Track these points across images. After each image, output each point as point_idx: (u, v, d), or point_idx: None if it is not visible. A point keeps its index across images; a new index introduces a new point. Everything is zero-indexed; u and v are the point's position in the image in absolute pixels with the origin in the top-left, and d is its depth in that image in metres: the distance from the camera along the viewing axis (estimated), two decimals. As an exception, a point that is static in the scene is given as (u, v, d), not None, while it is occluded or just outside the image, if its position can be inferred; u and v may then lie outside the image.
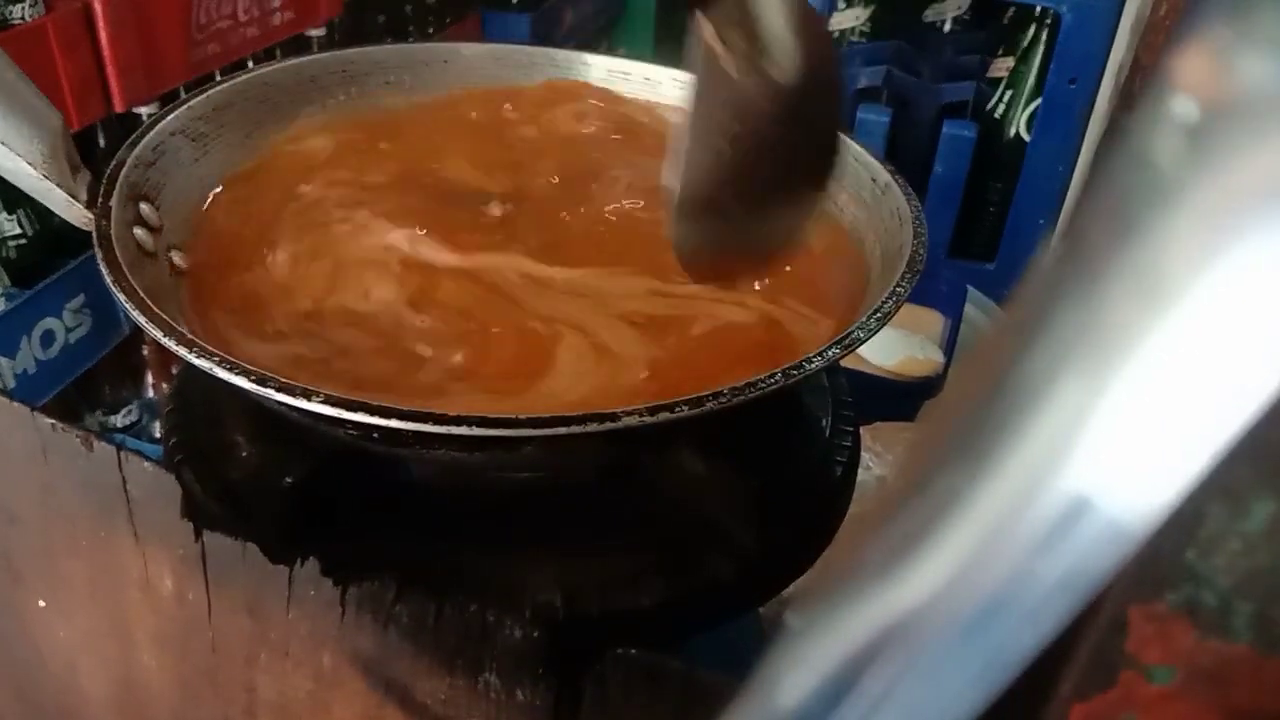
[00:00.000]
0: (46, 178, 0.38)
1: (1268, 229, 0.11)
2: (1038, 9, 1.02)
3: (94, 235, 0.38)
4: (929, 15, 1.18)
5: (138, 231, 0.40)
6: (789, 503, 0.43)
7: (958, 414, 0.13)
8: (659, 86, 0.55)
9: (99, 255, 0.36)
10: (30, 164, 0.38)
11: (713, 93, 0.33)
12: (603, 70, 0.56)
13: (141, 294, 0.35)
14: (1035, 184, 1.01)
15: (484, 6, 1.18)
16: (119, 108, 0.72)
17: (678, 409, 0.32)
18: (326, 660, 0.36)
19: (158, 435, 0.78)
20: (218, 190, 0.46)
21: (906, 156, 1.06)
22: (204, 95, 0.47)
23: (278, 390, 0.31)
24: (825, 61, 0.34)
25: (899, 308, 0.37)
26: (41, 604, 0.43)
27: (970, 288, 0.94)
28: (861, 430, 0.47)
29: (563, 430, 0.31)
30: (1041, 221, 1.01)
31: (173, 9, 0.74)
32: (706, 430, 0.39)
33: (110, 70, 0.70)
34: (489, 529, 0.41)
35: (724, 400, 0.32)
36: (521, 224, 0.45)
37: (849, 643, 0.13)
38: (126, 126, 0.67)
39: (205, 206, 0.45)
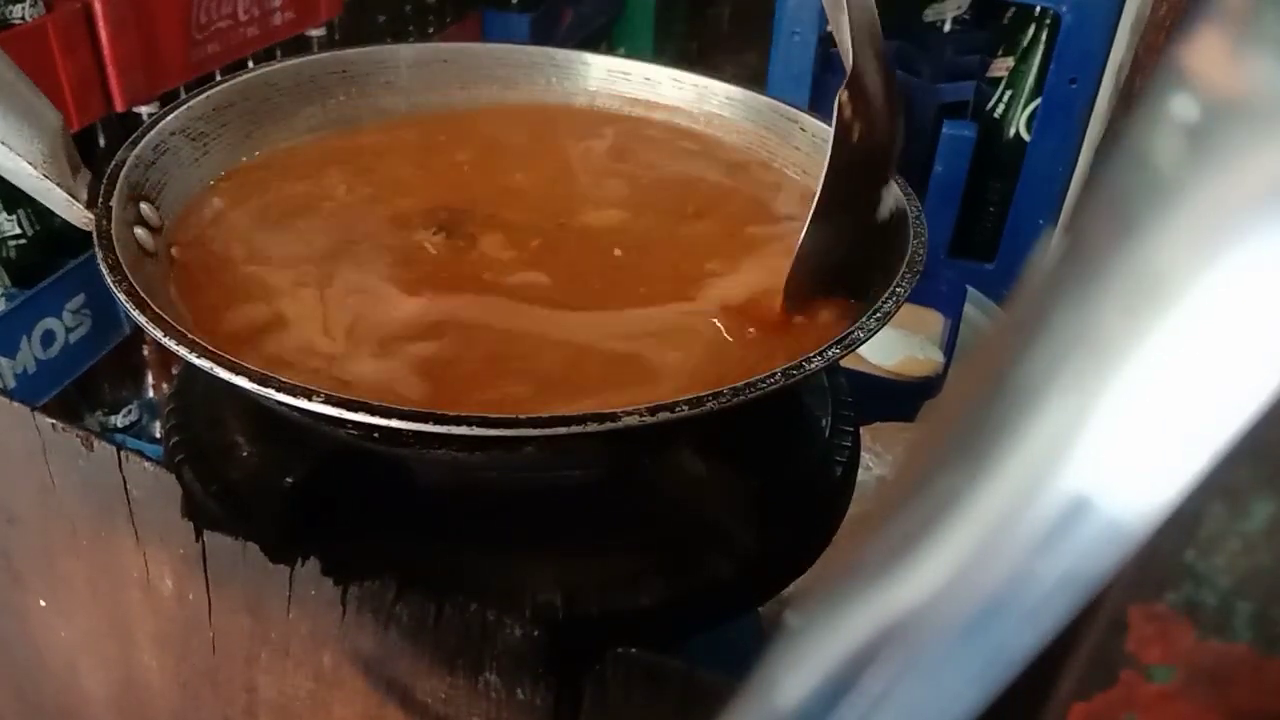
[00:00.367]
0: (46, 178, 0.38)
1: (1268, 229, 0.11)
2: (1038, 9, 1.02)
3: (94, 235, 0.38)
4: (929, 15, 1.18)
5: (138, 231, 0.40)
6: (789, 503, 0.43)
7: (958, 414, 0.13)
8: (659, 86, 0.55)
9: (99, 255, 0.36)
10: (30, 164, 0.38)
11: (840, 157, 0.39)
12: (603, 70, 0.56)
13: (142, 294, 0.35)
14: (1035, 184, 1.01)
15: (484, 6, 1.18)
16: (119, 108, 0.72)
17: (678, 409, 0.32)
18: (327, 660, 0.36)
19: (158, 435, 0.78)
20: (209, 188, 0.46)
21: (906, 156, 1.05)
22: (204, 95, 0.47)
23: (278, 390, 0.31)
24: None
25: (899, 308, 0.37)
26: (41, 604, 0.43)
27: (970, 288, 0.94)
28: (861, 430, 0.47)
29: (563, 430, 0.31)
30: (1041, 221, 1.01)
31: (173, 9, 0.74)
32: (706, 430, 0.39)
33: (110, 70, 0.70)
34: (489, 529, 0.41)
35: (724, 400, 0.32)
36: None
37: (849, 643, 0.13)
38: (126, 126, 0.67)
39: (199, 207, 0.45)
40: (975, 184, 1.04)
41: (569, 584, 0.37)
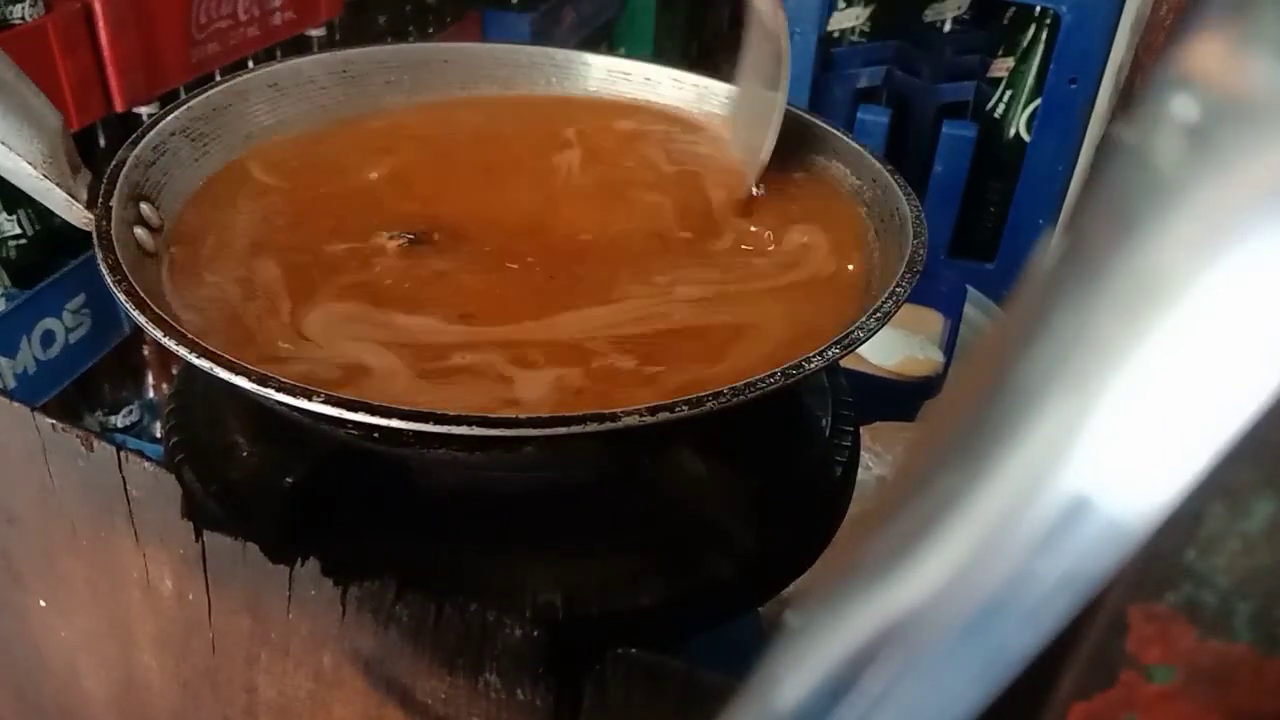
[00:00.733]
0: (46, 178, 0.38)
1: (1268, 229, 0.11)
2: (1038, 9, 1.02)
3: (94, 235, 0.38)
4: (929, 15, 1.18)
5: (138, 231, 0.40)
6: (789, 503, 0.43)
7: (958, 414, 0.13)
8: (659, 86, 0.55)
9: (99, 255, 0.36)
10: (30, 164, 0.38)
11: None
12: (603, 70, 0.56)
13: (142, 294, 0.35)
14: (1035, 184, 1.01)
15: (484, 6, 1.18)
16: (119, 108, 0.72)
17: (677, 409, 0.32)
18: (327, 660, 0.36)
19: (158, 435, 0.78)
20: (201, 190, 0.46)
21: (906, 156, 1.06)
22: (204, 95, 0.47)
23: (278, 390, 0.31)
24: None
25: (899, 308, 0.37)
26: (42, 604, 0.43)
27: (970, 288, 0.94)
28: (861, 430, 0.47)
29: (563, 430, 0.31)
30: (1041, 221, 1.01)
31: (173, 9, 0.74)
32: (706, 430, 0.39)
33: (110, 70, 0.70)
34: (489, 529, 0.41)
35: (724, 400, 0.32)
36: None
37: (849, 643, 0.13)
38: (126, 126, 0.67)
39: (192, 205, 0.45)
40: (975, 184, 1.04)
41: (569, 584, 0.37)
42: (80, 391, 0.81)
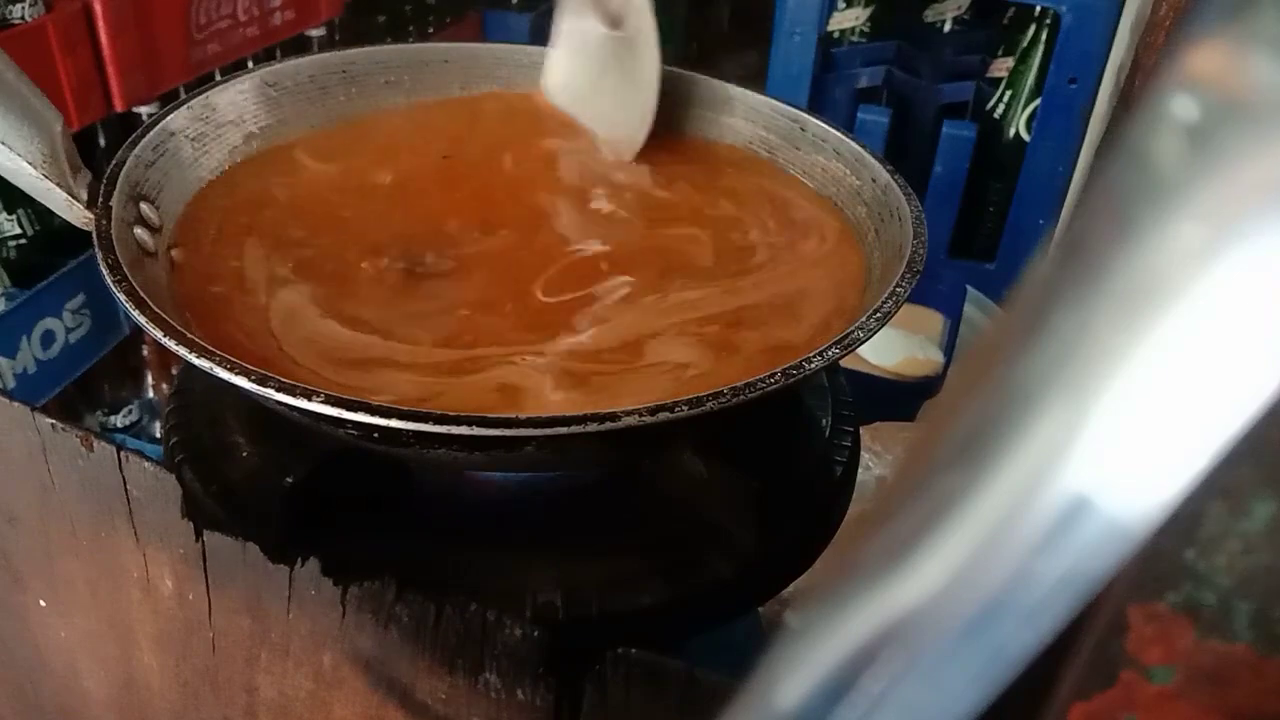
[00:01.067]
0: (46, 178, 0.38)
1: (1268, 229, 0.11)
2: (1038, 9, 1.02)
3: (94, 235, 0.38)
4: (929, 15, 1.18)
5: (138, 231, 0.40)
6: (789, 503, 0.43)
7: (958, 414, 0.13)
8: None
9: (99, 255, 0.36)
10: (30, 164, 0.38)
11: None
12: (603, 70, 0.56)
13: (142, 294, 0.35)
14: (1035, 184, 1.01)
15: (484, 6, 1.18)
16: (119, 108, 0.72)
17: (677, 409, 0.31)
18: (327, 660, 0.36)
19: (158, 435, 0.78)
20: (201, 190, 0.46)
21: (906, 156, 1.06)
22: (204, 95, 0.47)
23: (278, 390, 0.31)
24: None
25: (899, 308, 0.37)
26: (41, 604, 0.43)
27: (970, 288, 0.94)
28: (861, 430, 0.47)
29: (563, 430, 0.31)
30: (1041, 221, 1.01)
31: (173, 9, 0.74)
32: (706, 430, 0.39)
33: (110, 70, 0.70)
34: (489, 529, 0.41)
35: (724, 400, 0.32)
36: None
37: (849, 643, 0.13)
38: (126, 126, 0.67)
39: (192, 205, 0.45)
40: (975, 184, 1.04)
41: (569, 584, 0.37)
42: (80, 391, 0.81)
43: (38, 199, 0.39)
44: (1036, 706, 0.23)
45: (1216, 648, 0.21)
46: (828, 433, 0.46)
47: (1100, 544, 0.12)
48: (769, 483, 0.42)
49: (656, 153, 0.52)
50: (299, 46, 0.89)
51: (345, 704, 0.37)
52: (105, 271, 0.36)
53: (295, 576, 0.34)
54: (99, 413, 0.84)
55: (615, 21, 0.46)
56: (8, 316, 0.69)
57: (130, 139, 0.43)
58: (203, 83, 0.54)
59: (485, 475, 0.42)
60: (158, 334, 0.33)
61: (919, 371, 0.83)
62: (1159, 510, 0.12)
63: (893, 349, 0.83)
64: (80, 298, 0.74)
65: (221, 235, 0.44)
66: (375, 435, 0.32)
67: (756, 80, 1.03)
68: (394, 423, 0.30)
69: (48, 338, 0.72)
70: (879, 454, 0.72)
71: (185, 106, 0.46)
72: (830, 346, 0.34)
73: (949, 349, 0.86)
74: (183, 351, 0.33)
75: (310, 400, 0.31)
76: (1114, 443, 0.11)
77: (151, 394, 0.87)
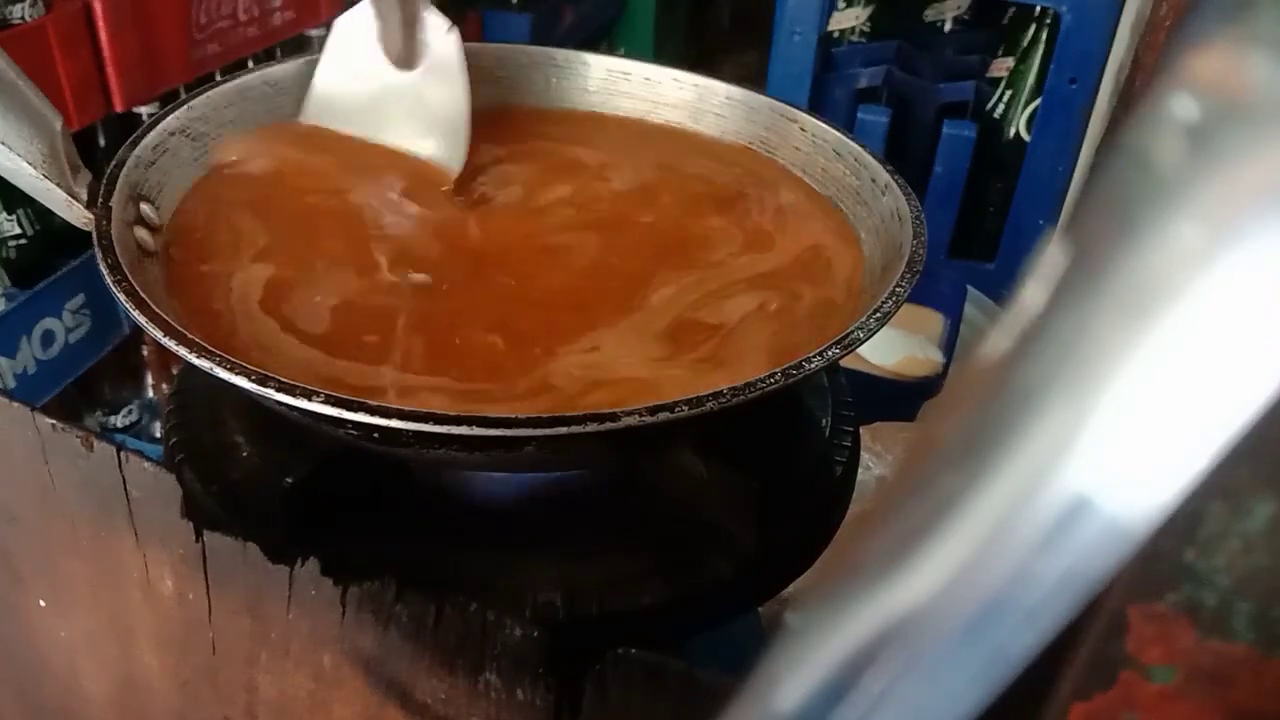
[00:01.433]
0: (46, 178, 0.38)
1: (1268, 229, 0.11)
2: (1038, 9, 1.02)
3: (94, 235, 0.38)
4: (929, 15, 1.18)
5: (138, 231, 0.40)
6: (789, 503, 0.43)
7: (958, 413, 0.13)
8: (659, 86, 0.55)
9: (99, 255, 0.36)
10: (30, 164, 0.38)
11: None
12: (603, 70, 0.56)
13: (141, 294, 0.35)
14: (1035, 184, 1.01)
15: (484, 6, 1.18)
16: (119, 108, 0.72)
17: (677, 409, 0.32)
18: (327, 660, 0.36)
19: (158, 435, 0.78)
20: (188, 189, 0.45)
21: (906, 156, 1.06)
22: (204, 95, 0.47)
23: (278, 390, 0.31)
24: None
25: (899, 308, 0.37)
26: (41, 604, 0.43)
27: (970, 288, 0.94)
28: (861, 430, 0.47)
29: (563, 430, 0.31)
30: (1041, 221, 1.01)
31: (173, 9, 0.74)
32: (706, 430, 0.39)
33: (110, 70, 0.70)
34: (489, 529, 0.41)
35: (724, 400, 0.32)
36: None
37: (849, 643, 0.13)
38: (126, 126, 0.67)
39: (192, 205, 0.45)
40: (975, 184, 1.04)
41: (569, 584, 0.37)
42: (80, 391, 0.81)
43: (38, 199, 0.39)
44: (1036, 706, 0.23)
45: (1216, 648, 0.21)
46: (828, 433, 0.46)
47: (1100, 544, 0.12)
48: (769, 483, 0.42)
49: (656, 153, 0.52)
50: (299, 46, 0.90)
51: (345, 704, 0.37)
52: (105, 271, 0.36)
53: (295, 576, 0.34)
54: (99, 413, 0.84)
55: (404, 62, 0.47)
56: (8, 316, 0.69)
57: (130, 139, 0.43)
58: (203, 83, 0.54)
59: (486, 475, 0.42)
60: (158, 334, 0.33)
61: (919, 371, 0.83)
62: (1159, 510, 0.12)
63: (893, 349, 0.83)
64: (80, 298, 0.74)
65: (221, 235, 0.44)
66: (375, 435, 0.32)
67: (757, 80, 1.03)
68: (394, 423, 0.30)
69: (48, 338, 0.72)
70: (879, 454, 0.72)
71: (185, 106, 0.46)
72: (830, 346, 0.34)
73: (949, 349, 0.86)
74: (183, 351, 0.33)
75: (310, 400, 0.31)
76: (1114, 443, 0.11)
77: (151, 394, 0.87)
